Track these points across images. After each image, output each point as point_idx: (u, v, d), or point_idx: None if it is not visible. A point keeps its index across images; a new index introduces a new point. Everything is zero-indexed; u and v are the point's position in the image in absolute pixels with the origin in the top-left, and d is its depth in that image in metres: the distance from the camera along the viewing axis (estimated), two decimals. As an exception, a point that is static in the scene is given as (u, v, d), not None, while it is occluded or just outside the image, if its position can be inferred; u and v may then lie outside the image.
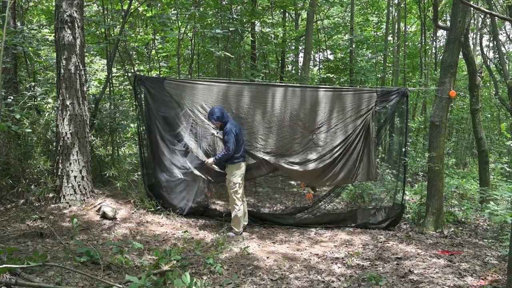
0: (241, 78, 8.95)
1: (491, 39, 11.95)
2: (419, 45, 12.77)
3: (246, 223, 5.67)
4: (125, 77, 8.57)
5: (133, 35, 8.79)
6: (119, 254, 3.94)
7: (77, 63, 5.73)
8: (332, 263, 4.50)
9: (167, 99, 5.83)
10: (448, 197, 6.75)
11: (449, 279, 3.96)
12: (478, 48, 11.67)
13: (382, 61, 11.94)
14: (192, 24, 8.00)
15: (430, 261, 4.51)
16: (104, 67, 8.32)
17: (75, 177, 5.70)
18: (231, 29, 8.05)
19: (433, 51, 13.21)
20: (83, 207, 5.63)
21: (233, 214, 5.46)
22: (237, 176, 5.40)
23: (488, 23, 11.22)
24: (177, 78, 7.69)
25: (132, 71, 8.35)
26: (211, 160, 5.51)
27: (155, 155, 5.83)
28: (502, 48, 11.59)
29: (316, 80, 11.58)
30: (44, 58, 8.16)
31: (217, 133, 5.84)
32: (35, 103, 6.79)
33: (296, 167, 5.88)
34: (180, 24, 8.17)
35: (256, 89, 6.06)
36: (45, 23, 9.00)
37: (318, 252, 4.88)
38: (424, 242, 5.28)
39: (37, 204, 5.64)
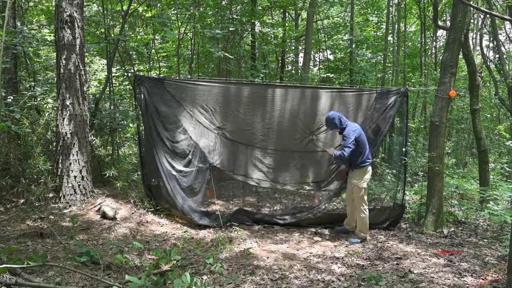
0: (241, 78, 8.95)
1: (491, 39, 11.96)
2: (419, 45, 12.76)
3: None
4: (125, 77, 8.57)
5: (133, 35, 8.80)
6: (119, 254, 3.94)
7: (77, 63, 5.74)
8: (332, 262, 4.50)
9: (167, 99, 5.82)
10: (448, 197, 6.75)
11: (449, 279, 3.96)
12: (478, 48, 11.66)
13: (382, 61, 11.92)
14: (191, 24, 8.00)
15: (430, 261, 4.52)
16: (104, 67, 8.32)
17: (75, 177, 5.70)
18: (231, 29, 8.05)
19: (433, 51, 13.21)
20: (83, 207, 5.64)
21: (359, 219, 5.32)
22: (362, 180, 5.23)
23: (488, 23, 11.22)
24: (177, 78, 7.69)
25: (132, 71, 8.36)
26: (331, 150, 5.32)
27: (154, 155, 5.82)
28: (502, 48, 11.58)
29: (316, 80, 11.57)
30: (44, 58, 8.16)
31: (218, 133, 5.85)
32: (35, 103, 6.79)
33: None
34: (180, 24, 8.18)
35: (256, 89, 6.06)
36: (45, 23, 9.00)
37: (318, 251, 4.89)
38: (424, 242, 5.28)
39: (37, 204, 5.64)
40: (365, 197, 5.31)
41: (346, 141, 5.11)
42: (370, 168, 5.30)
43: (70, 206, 5.61)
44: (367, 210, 5.34)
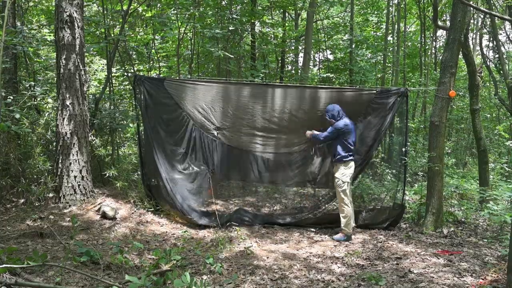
0: (241, 78, 8.95)
1: (491, 39, 11.95)
2: (419, 45, 12.76)
3: (354, 224, 5.59)
4: (125, 77, 8.57)
5: (132, 35, 8.80)
6: (119, 254, 3.94)
7: (77, 63, 5.74)
8: (331, 262, 4.50)
9: (167, 99, 5.82)
10: (448, 197, 6.75)
11: (448, 279, 3.97)
12: (478, 48, 11.65)
13: (382, 61, 11.92)
14: (191, 24, 8.00)
15: (429, 261, 4.52)
16: (104, 67, 8.33)
17: (75, 177, 5.70)
18: (230, 28, 8.05)
19: (433, 51, 13.20)
20: (83, 207, 5.64)
21: (342, 215, 5.37)
22: (346, 175, 5.36)
23: (488, 23, 11.21)
24: (177, 78, 7.69)
25: (132, 71, 8.36)
26: (309, 132, 5.65)
27: (154, 155, 5.82)
28: (502, 48, 11.57)
29: (316, 80, 11.57)
30: (44, 58, 8.16)
31: (217, 133, 5.85)
32: (35, 103, 6.79)
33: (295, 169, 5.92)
34: (180, 24, 8.18)
35: (256, 89, 6.06)
36: (45, 23, 9.00)
37: (318, 251, 4.89)
38: (424, 242, 5.29)
39: (37, 204, 5.65)
40: (347, 192, 5.39)
41: (329, 129, 5.42)
42: (353, 163, 5.44)
43: (70, 206, 5.61)
44: (350, 205, 5.42)
